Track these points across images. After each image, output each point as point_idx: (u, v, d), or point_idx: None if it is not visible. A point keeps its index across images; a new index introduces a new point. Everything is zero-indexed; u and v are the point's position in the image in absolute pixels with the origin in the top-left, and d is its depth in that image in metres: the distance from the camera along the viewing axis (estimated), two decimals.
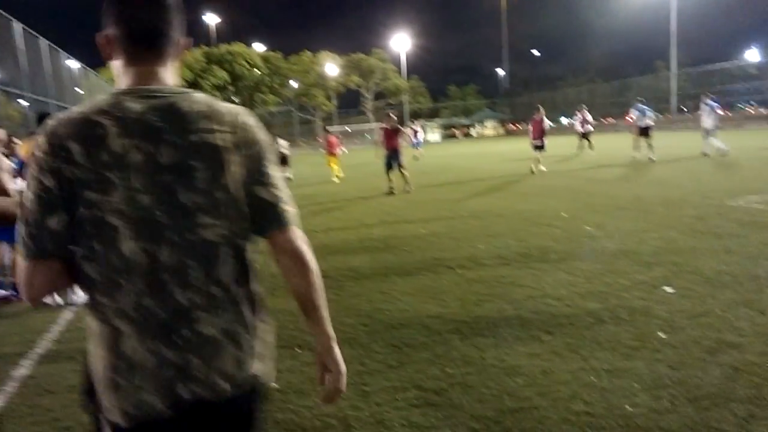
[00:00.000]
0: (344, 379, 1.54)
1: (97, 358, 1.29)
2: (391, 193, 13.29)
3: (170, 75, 1.40)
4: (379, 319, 4.62)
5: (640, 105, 17.66)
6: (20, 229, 1.26)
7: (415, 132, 30.17)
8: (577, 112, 23.30)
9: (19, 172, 6.03)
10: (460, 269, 5.96)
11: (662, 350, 3.58)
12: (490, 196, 11.72)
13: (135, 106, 1.28)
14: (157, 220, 1.27)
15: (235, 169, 1.35)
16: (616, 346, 3.69)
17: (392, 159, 13.57)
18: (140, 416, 1.27)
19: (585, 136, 22.63)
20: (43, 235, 1.24)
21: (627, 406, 2.93)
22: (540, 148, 16.09)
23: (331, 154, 19.04)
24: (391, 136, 13.68)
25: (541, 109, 16.43)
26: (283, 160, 20.01)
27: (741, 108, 44.11)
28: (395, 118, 14.33)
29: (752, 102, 46.31)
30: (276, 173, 1.46)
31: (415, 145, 28.66)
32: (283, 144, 20.25)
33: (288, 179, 20.64)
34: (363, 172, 20.62)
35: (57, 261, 1.27)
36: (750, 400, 2.90)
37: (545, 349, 3.75)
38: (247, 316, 1.41)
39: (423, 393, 3.28)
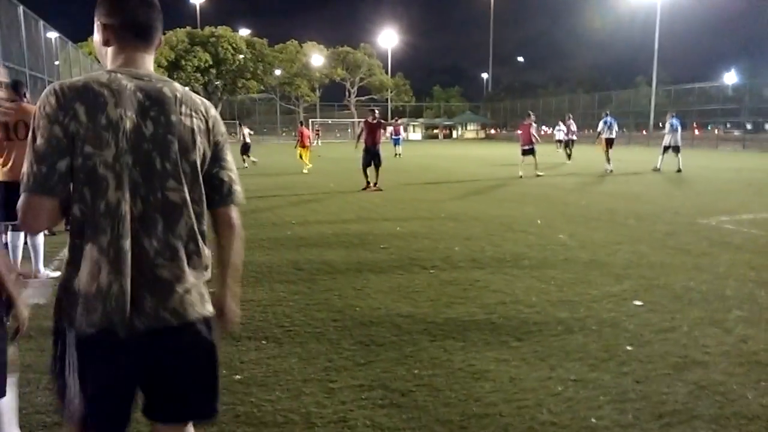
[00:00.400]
0: (233, 326, 1.91)
1: (79, 282, 1.54)
2: (366, 189, 13.22)
3: (151, 62, 1.74)
4: (350, 315, 4.57)
5: (607, 118, 18.29)
6: (31, 170, 1.50)
7: (397, 130, 30.10)
8: (560, 122, 23.49)
9: None
10: (435, 270, 5.94)
11: (629, 363, 3.60)
12: (468, 199, 11.74)
13: (128, 83, 1.58)
14: (134, 178, 1.55)
15: (202, 149, 1.68)
16: (583, 357, 3.70)
17: (371, 155, 13.43)
18: (106, 329, 1.54)
19: (567, 145, 22.85)
20: (53, 174, 1.49)
21: (592, 419, 2.92)
22: (529, 152, 16.39)
23: (303, 146, 19.31)
24: (374, 131, 13.53)
25: (532, 115, 16.78)
26: (246, 147, 20.99)
27: (710, 129, 45.04)
28: (378, 112, 14.24)
29: (728, 124, 47.38)
30: (231, 159, 1.79)
31: (396, 143, 28.59)
32: (246, 132, 21.37)
33: (253, 163, 20.71)
34: (343, 167, 20.51)
35: (58, 199, 1.52)
36: (714, 419, 2.92)
37: (514, 355, 3.74)
38: (196, 266, 1.69)
39: (389, 393, 3.23)
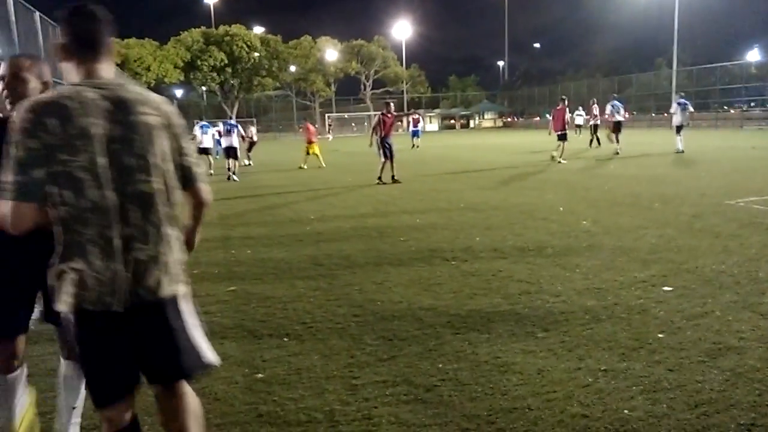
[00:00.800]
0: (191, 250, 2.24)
1: (74, 269, 1.80)
2: (380, 183, 13.09)
3: (109, 69, 1.93)
4: (371, 309, 4.50)
5: (615, 102, 18.79)
6: (13, 179, 1.71)
7: (416, 121, 29.73)
8: (590, 106, 22.83)
9: None
10: (456, 261, 5.85)
11: (660, 351, 3.48)
12: (487, 188, 11.59)
13: (90, 94, 1.81)
14: (110, 175, 1.79)
15: (162, 141, 1.92)
16: (613, 346, 3.59)
17: (386, 147, 13.27)
18: (101, 308, 1.83)
19: (595, 130, 22.32)
20: (30, 182, 1.73)
21: (625, 410, 2.82)
22: (563, 138, 16.40)
23: (309, 142, 19.02)
24: (391, 124, 13.38)
25: (565, 100, 16.91)
26: (251, 145, 21.38)
27: (740, 108, 43.98)
28: (393, 105, 14.08)
29: (752, 102, 46.23)
30: (190, 146, 2.07)
31: (414, 134, 28.32)
32: (254, 131, 21.98)
33: (245, 165, 20.20)
34: (359, 160, 20.45)
35: (38, 203, 1.75)
36: (752, 407, 2.79)
37: (540, 346, 3.65)
38: (171, 248, 1.96)
39: (413, 388, 3.17)
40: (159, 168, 1.90)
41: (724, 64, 46.27)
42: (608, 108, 18.83)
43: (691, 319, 3.98)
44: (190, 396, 2.13)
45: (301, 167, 18.63)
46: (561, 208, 8.63)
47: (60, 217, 1.79)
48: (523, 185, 11.81)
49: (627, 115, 19.20)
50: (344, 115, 62.55)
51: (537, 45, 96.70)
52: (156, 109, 1.92)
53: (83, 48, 1.88)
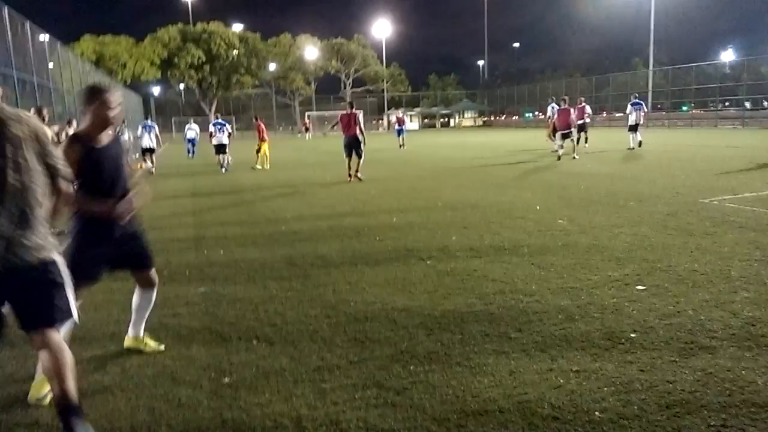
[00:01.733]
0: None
1: None
2: (349, 180, 13.24)
3: None
4: (343, 311, 4.43)
5: (554, 104, 20.28)
6: None
7: (401, 120, 29.21)
8: (577, 106, 22.35)
9: None
10: (432, 261, 5.79)
11: (633, 351, 3.46)
12: (466, 187, 11.58)
13: None
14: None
15: (30, 147, 2.53)
16: (586, 346, 3.56)
17: (351, 145, 13.45)
18: None
19: (582, 128, 21.94)
20: None
21: (596, 412, 2.78)
22: (568, 135, 17.03)
23: (262, 140, 18.47)
24: (349, 122, 13.52)
25: (566, 100, 17.82)
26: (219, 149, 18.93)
27: (714, 108, 44.73)
28: (354, 105, 14.64)
29: (727, 102, 47.04)
30: (54, 149, 2.69)
31: (399, 133, 27.91)
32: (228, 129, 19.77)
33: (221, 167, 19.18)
34: (339, 159, 20.31)
35: None
36: (723, 407, 2.78)
37: (513, 347, 3.60)
38: (34, 226, 2.54)
39: (383, 392, 3.10)
40: (26, 167, 2.50)
41: (700, 64, 47.03)
42: (549, 110, 20.50)
43: (664, 318, 3.97)
44: (58, 345, 2.63)
45: (254, 168, 18.17)
46: (538, 207, 8.64)
47: None
48: (502, 184, 11.82)
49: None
50: (324, 114, 62.21)
51: (516, 44, 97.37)
52: (24, 123, 2.53)
53: None
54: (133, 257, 3.58)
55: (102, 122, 3.25)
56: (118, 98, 3.32)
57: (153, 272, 3.70)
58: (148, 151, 18.58)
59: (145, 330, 3.84)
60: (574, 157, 16.56)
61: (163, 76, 59.28)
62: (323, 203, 10.20)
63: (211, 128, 18.53)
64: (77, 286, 2.85)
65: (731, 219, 7.15)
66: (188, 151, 25.73)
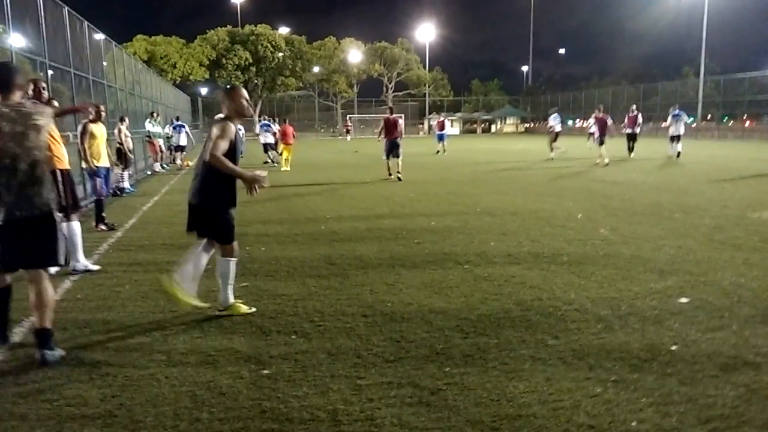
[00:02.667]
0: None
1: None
2: (388, 179, 14.28)
3: (18, 96, 3.61)
4: (380, 310, 4.49)
5: (556, 114, 21.37)
6: None
7: (441, 124, 28.25)
8: (629, 114, 21.60)
9: None
10: (469, 265, 5.80)
11: (673, 364, 3.40)
12: (506, 194, 11.51)
13: (4, 109, 3.50)
14: (15, 151, 3.50)
15: (44, 133, 3.66)
16: (625, 356, 3.52)
17: (392, 147, 14.33)
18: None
19: (632, 138, 21.27)
20: None
21: (633, 422, 2.76)
22: (602, 142, 17.99)
23: (286, 143, 18.53)
24: (391, 126, 14.41)
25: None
26: (266, 147, 20.81)
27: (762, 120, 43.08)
28: (394, 110, 15.94)
29: None
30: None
31: (440, 138, 27.05)
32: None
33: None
34: (379, 162, 20.42)
35: None
36: (765, 425, 2.72)
37: (550, 354, 3.59)
38: (42, 188, 3.58)
39: (418, 391, 3.14)
40: (41, 147, 3.59)
41: (754, 74, 45.38)
42: (550, 119, 21.40)
43: (707, 332, 3.89)
44: (45, 285, 3.62)
45: (283, 169, 17.80)
46: (579, 216, 8.53)
47: None
48: (542, 191, 11.69)
49: (560, 128, 21.58)
50: (366, 117, 62.56)
51: (562, 50, 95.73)
52: (40, 115, 3.60)
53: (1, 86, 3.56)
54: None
55: (239, 111, 4.36)
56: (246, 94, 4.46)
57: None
58: (179, 149, 20.73)
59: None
60: (600, 163, 17.31)
61: (211, 77, 60.71)
62: (362, 205, 10.30)
63: (257, 129, 19.63)
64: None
65: None
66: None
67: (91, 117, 8.06)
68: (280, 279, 5.43)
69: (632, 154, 20.42)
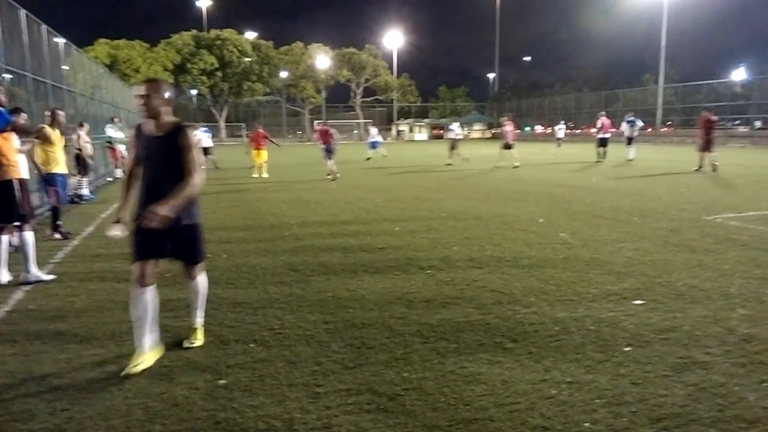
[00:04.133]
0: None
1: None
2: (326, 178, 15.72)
3: None
4: (342, 317, 4.47)
5: (458, 124, 23.55)
6: None
7: (325, 133, 26.87)
8: (597, 119, 22.68)
9: None
10: (432, 270, 5.82)
11: (627, 364, 3.48)
12: (470, 199, 11.61)
13: None
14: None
15: None
16: (580, 358, 3.58)
17: (329, 151, 16.62)
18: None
19: (603, 143, 22.11)
20: None
21: (586, 423, 2.80)
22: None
23: (257, 148, 18.12)
24: (327, 135, 16.69)
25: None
26: (206, 151, 20.71)
27: (725, 125, 44.53)
28: (327, 123, 18.02)
29: (737, 121, 46.86)
30: None
31: (372, 146, 26.71)
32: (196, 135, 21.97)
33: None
34: (345, 168, 20.41)
35: None
36: (713, 422, 2.79)
37: (508, 357, 3.63)
38: None
39: (376, 397, 3.13)
40: None
41: (710, 81, 46.91)
42: (454, 127, 22.97)
43: (660, 332, 3.98)
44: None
45: (261, 176, 17.74)
46: (541, 220, 8.65)
47: None
48: (506, 196, 11.83)
49: (462, 135, 23.99)
50: (334, 123, 62.43)
51: (527, 58, 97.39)
52: None
53: None
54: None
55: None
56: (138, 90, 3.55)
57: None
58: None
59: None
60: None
61: (175, 82, 59.83)
62: (327, 210, 10.25)
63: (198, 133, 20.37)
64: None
65: (734, 237, 7.14)
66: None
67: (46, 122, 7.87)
68: (241, 287, 5.36)
69: (605, 159, 21.58)
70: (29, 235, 5.68)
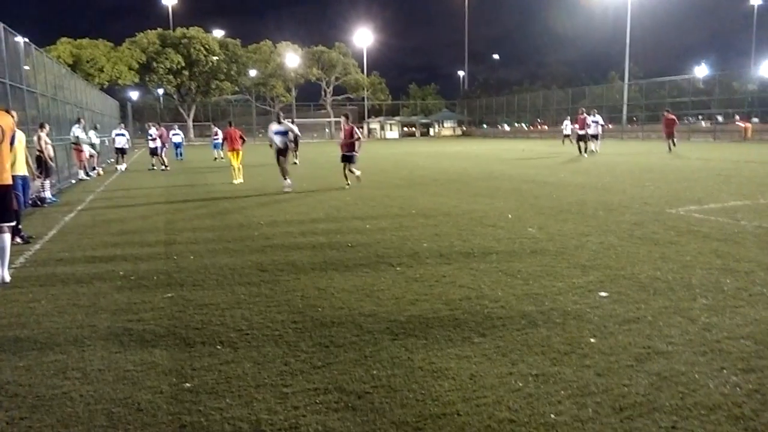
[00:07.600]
0: None
1: None
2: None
3: None
4: (311, 316, 4.44)
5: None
6: None
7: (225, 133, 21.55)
8: (579, 117, 23.24)
9: None
10: (401, 267, 5.83)
11: (591, 356, 3.53)
12: (441, 196, 11.66)
13: None
14: None
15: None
16: (546, 351, 3.62)
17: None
18: None
19: (582, 138, 22.71)
20: None
21: (551, 414, 2.84)
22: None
23: (232, 149, 16.24)
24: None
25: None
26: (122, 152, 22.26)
27: (688, 120, 45.66)
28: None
29: (699, 116, 48.10)
30: None
31: (215, 146, 25.44)
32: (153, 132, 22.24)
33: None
34: (317, 167, 20.33)
35: None
36: (675, 410, 2.85)
37: (476, 351, 3.65)
38: None
39: (344, 396, 3.11)
40: None
41: (673, 78, 48.03)
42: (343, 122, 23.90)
43: (624, 324, 4.06)
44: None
45: (236, 182, 15.70)
46: (510, 215, 8.74)
47: None
48: (476, 193, 11.93)
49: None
50: (304, 121, 62.12)
51: (496, 56, 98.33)
52: None
53: None
54: None
55: None
56: None
57: None
58: (120, 152, 22.05)
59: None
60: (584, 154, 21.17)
61: (141, 81, 58.77)
62: (297, 209, 10.19)
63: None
64: None
65: (696, 229, 7.32)
66: (177, 155, 28.05)
67: None
68: (208, 288, 5.29)
69: (586, 154, 22.59)
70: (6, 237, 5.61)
